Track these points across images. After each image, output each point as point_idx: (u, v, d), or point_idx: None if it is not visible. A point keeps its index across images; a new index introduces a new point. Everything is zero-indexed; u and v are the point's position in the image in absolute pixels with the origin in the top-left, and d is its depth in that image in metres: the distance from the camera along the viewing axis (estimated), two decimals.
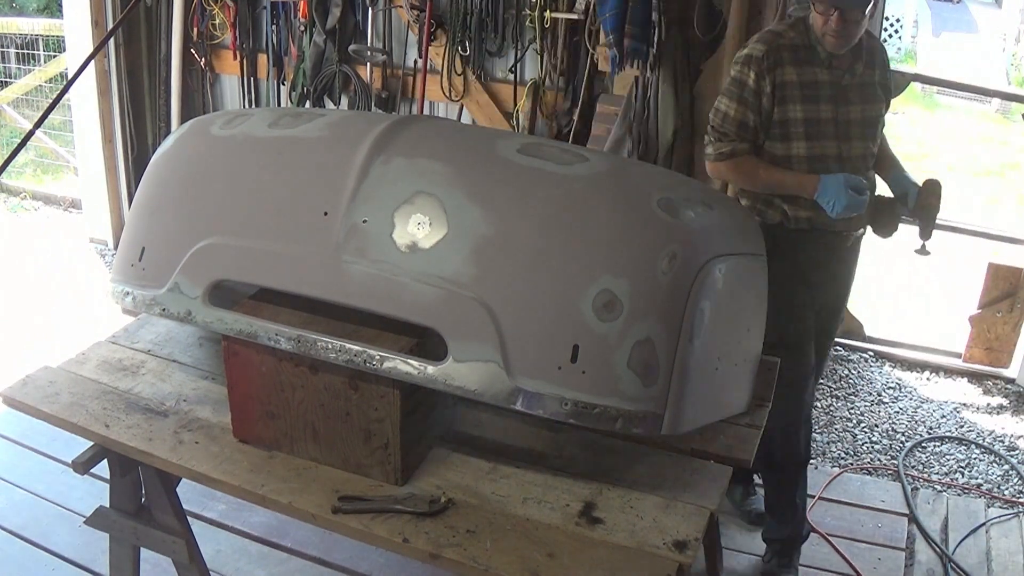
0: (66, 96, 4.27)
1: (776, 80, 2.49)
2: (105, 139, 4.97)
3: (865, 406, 3.99)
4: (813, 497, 3.21)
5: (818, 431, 3.74)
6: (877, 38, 2.58)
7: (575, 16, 4.01)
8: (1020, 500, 3.32)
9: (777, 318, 2.44)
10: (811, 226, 2.60)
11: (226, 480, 1.97)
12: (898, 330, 4.65)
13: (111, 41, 4.71)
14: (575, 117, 4.21)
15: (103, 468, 2.20)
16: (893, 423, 3.85)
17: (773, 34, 2.55)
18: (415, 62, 4.48)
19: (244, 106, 4.94)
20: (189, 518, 2.32)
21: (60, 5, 5.30)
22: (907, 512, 3.20)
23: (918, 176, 2.66)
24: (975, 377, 4.24)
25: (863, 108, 2.55)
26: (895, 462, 3.54)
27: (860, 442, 3.71)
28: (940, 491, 3.37)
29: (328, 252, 1.93)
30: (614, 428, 1.82)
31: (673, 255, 1.85)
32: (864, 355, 4.41)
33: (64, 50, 5.51)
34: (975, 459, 3.60)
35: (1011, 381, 4.18)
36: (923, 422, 3.88)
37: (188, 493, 2.38)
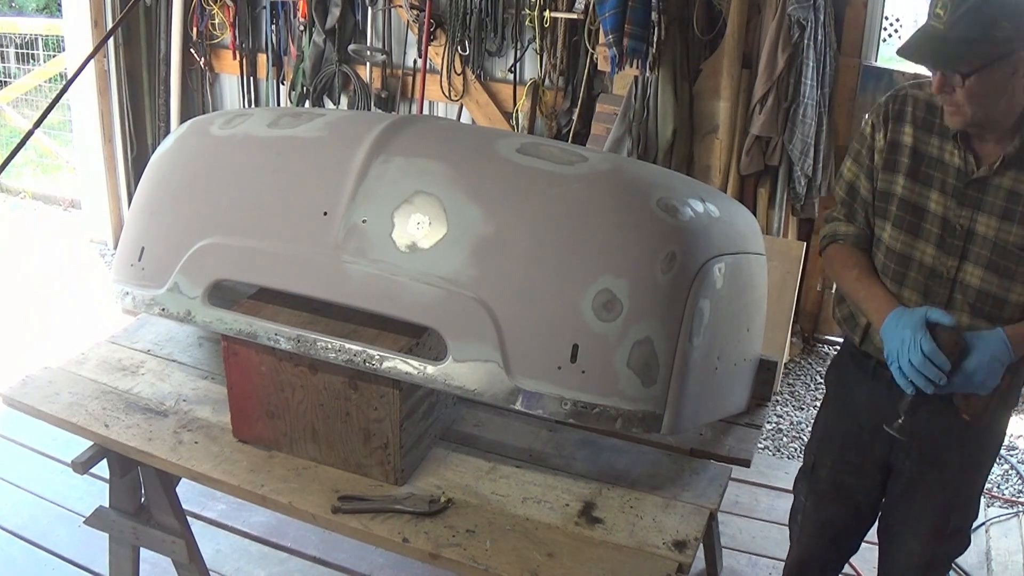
0: (65, 96, 4.27)
1: (889, 136, 1.89)
2: (104, 139, 4.97)
3: None
4: None
5: None
6: None
7: (575, 16, 4.02)
8: (1020, 500, 3.32)
9: (811, 438, 2.25)
10: (877, 355, 1.94)
11: (226, 480, 1.97)
12: None
13: (110, 41, 4.71)
14: (574, 117, 4.22)
15: (103, 468, 2.20)
16: None
17: (916, 83, 1.90)
18: (415, 62, 4.48)
19: (243, 106, 4.95)
20: (189, 518, 2.32)
21: (59, 5, 5.30)
22: None
23: None
24: None
25: (1001, 226, 1.76)
26: None
27: None
28: None
29: (328, 252, 1.93)
30: (614, 428, 1.82)
31: (672, 255, 1.85)
32: None
33: (63, 50, 5.51)
34: None
35: None
36: None
37: (188, 493, 2.38)
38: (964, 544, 2.10)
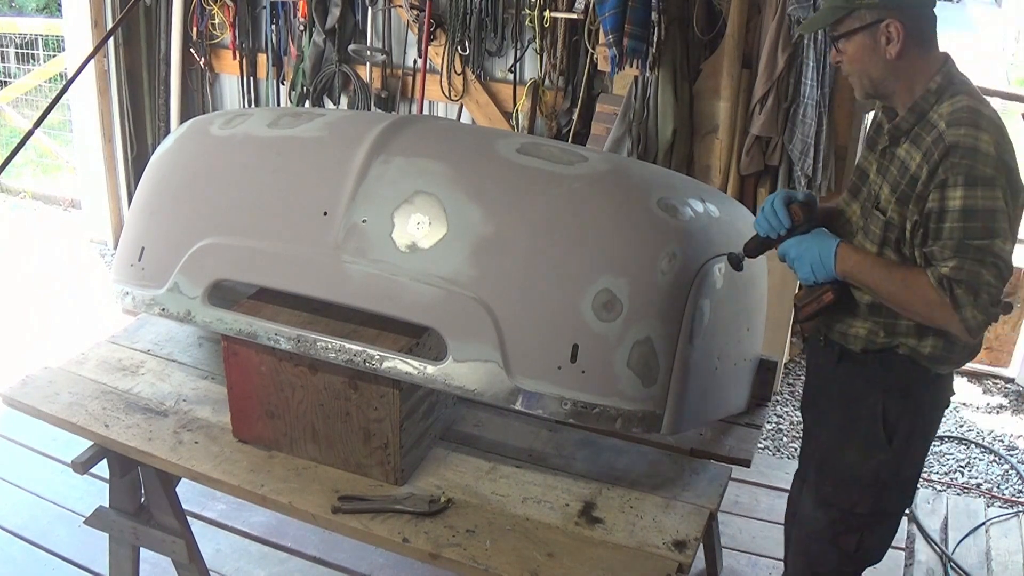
0: (65, 96, 4.27)
1: (874, 112, 2.09)
2: (104, 139, 4.97)
3: None
4: None
5: None
6: (959, 127, 1.72)
7: (575, 16, 4.01)
8: (1020, 500, 3.32)
9: None
10: None
11: (226, 480, 1.97)
12: None
13: (110, 41, 4.70)
14: (574, 117, 4.21)
15: (103, 468, 2.20)
16: None
17: None
18: (415, 62, 4.48)
19: (243, 106, 4.94)
20: (189, 518, 2.32)
21: (59, 5, 5.29)
22: (907, 511, 3.20)
23: None
24: (975, 377, 4.24)
25: (891, 189, 1.85)
26: None
27: None
28: (940, 491, 3.37)
29: (328, 252, 1.93)
30: (614, 428, 1.82)
31: (673, 255, 1.85)
32: None
33: (63, 50, 5.51)
34: (975, 459, 3.60)
35: (1011, 381, 4.18)
36: None
37: (188, 493, 2.38)
38: (843, 524, 2.04)
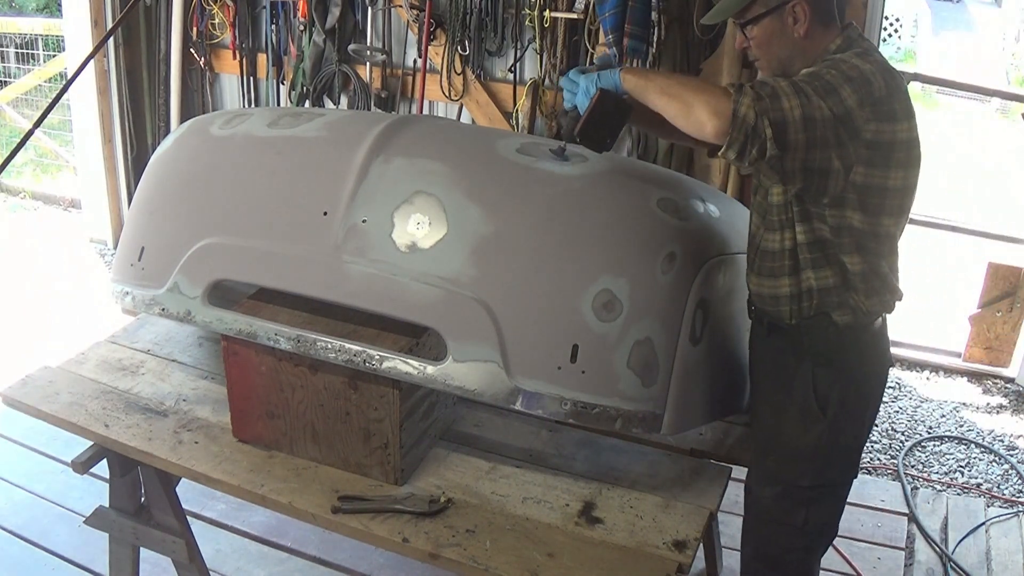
0: (65, 96, 4.27)
1: None
2: (104, 139, 4.97)
3: None
4: None
5: None
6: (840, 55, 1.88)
7: (575, 15, 4.01)
8: (1020, 500, 3.32)
9: None
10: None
11: (226, 480, 1.97)
12: (898, 329, 4.63)
13: (110, 41, 4.71)
14: None
15: (103, 468, 2.20)
16: (893, 422, 3.85)
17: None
18: (415, 62, 4.48)
19: (243, 106, 4.94)
20: (189, 518, 2.32)
21: (60, 5, 5.30)
22: (907, 511, 3.20)
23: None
24: (975, 376, 4.24)
25: None
26: (895, 461, 3.54)
27: None
28: (940, 490, 3.37)
29: (328, 252, 1.93)
30: (614, 428, 1.82)
31: (672, 255, 1.85)
32: None
33: (63, 50, 5.52)
34: (975, 458, 3.60)
35: (1011, 380, 4.18)
36: (923, 421, 3.88)
37: (188, 493, 2.38)
38: (789, 500, 2.03)
